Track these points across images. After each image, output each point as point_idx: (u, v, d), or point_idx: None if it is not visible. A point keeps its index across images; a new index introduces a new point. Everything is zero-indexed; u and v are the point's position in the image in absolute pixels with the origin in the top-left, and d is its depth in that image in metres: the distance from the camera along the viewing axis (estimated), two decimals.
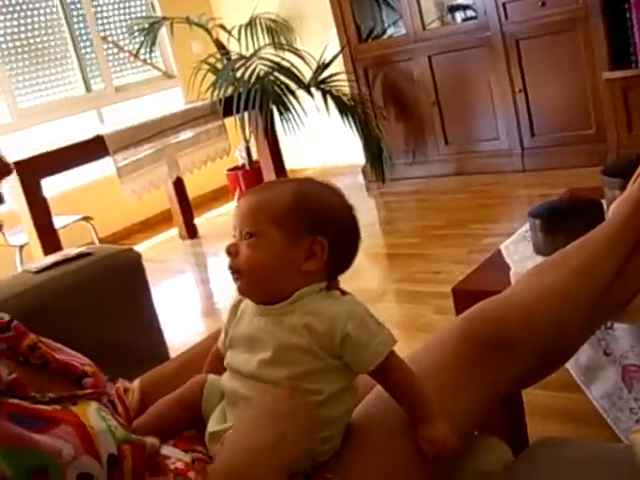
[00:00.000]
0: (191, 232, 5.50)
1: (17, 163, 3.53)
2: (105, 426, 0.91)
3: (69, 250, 1.60)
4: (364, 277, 3.58)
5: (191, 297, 4.41)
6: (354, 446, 1.10)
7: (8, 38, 5.32)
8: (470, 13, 5.30)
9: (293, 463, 1.00)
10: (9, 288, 1.46)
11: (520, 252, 1.98)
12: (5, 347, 1.03)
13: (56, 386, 0.99)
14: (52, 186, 4.36)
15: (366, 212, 4.80)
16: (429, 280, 3.64)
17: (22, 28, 5.43)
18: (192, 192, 5.64)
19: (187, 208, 5.51)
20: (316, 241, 1.07)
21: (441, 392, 1.16)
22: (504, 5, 4.87)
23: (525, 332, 1.23)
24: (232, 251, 1.08)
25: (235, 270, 1.08)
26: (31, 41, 5.48)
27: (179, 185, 5.35)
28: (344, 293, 1.11)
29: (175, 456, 1.04)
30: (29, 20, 5.47)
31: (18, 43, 5.39)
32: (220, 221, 5.92)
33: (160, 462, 1.00)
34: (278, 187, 1.14)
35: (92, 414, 0.93)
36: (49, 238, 3.92)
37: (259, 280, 1.07)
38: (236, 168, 6.04)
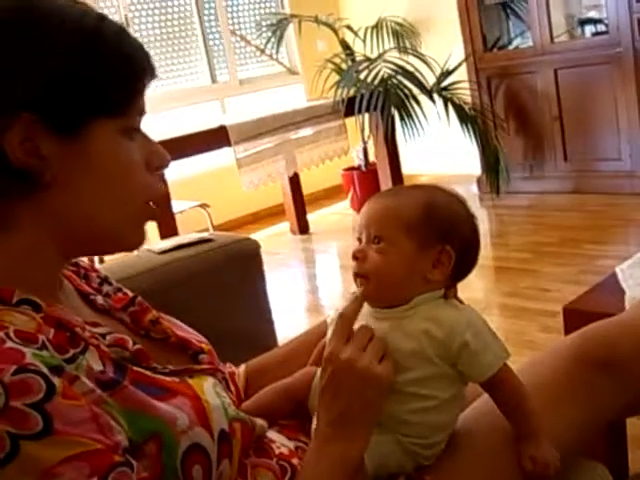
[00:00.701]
0: (302, 227, 5.57)
1: None
2: (219, 402, 0.95)
3: (191, 235, 1.66)
4: (471, 288, 3.54)
5: (297, 291, 4.47)
6: (456, 453, 1.11)
7: (143, 27, 5.51)
8: (601, 27, 5.18)
9: (370, 426, 1.01)
10: (132, 267, 1.51)
11: (636, 277, 1.95)
12: (129, 321, 1.07)
13: (174, 360, 1.02)
14: (172, 171, 4.47)
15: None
16: (536, 297, 3.59)
17: (157, 18, 5.61)
18: (306, 188, 5.70)
19: (300, 204, 5.57)
20: (444, 250, 1.07)
21: (546, 409, 1.15)
22: (639, 20, 4.73)
23: (638, 358, 1.21)
24: (360, 256, 1.08)
25: (362, 275, 1.07)
26: (164, 31, 5.66)
27: (294, 180, 5.41)
28: (461, 302, 1.11)
29: (280, 441, 1.07)
30: (164, 11, 5.66)
31: (151, 32, 5.57)
32: (332, 219, 5.97)
33: (266, 445, 1.03)
34: (409, 193, 1.14)
35: (208, 389, 0.96)
36: (167, 221, 4.03)
37: (386, 286, 1.07)
38: (352, 168, 6.06)
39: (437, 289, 1.09)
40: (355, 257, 1.08)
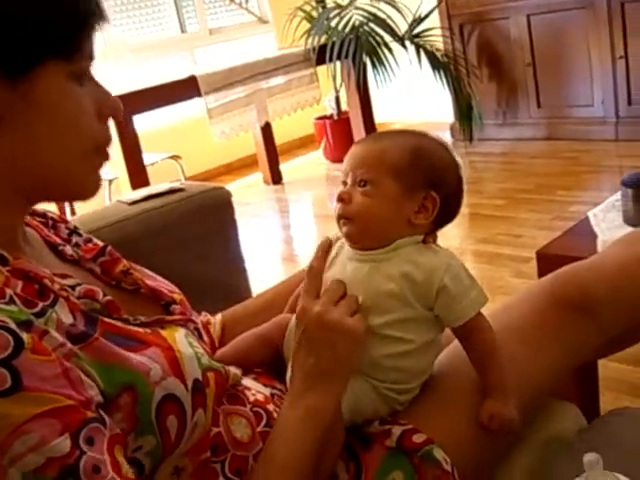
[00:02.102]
0: (275, 178, 5.55)
1: None
2: (192, 352, 0.94)
3: (162, 185, 1.64)
4: (445, 235, 3.50)
5: (272, 242, 4.46)
6: (429, 397, 1.11)
7: None
8: None
9: (344, 379, 1.01)
10: (103, 217, 1.49)
11: (609, 221, 1.96)
12: (99, 271, 1.06)
13: (145, 310, 1.01)
14: (143, 123, 4.43)
15: None
16: (510, 243, 3.62)
17: None
18: (279, 138, 5.66)
19: (273, 154, 5.54)
20: (429, 196, 1.07)
21: (520, 350, 1.17)
22: None
23: (610, 299, 1.22)
24: (345, 198, 1.07)
25: (346, 217, 1.07)
26: None
27: (267, 130, 5.37)
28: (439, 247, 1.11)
29: (255, 388, 1.07)
30: None
31: None
32: (305, 169, 5.95)
33: (240, 392, 1.03)
34: (396, 138, 1.13)
35: (180, 339, 0.96)
36: (138, 174, 4.01)
37: (369, 228, 1.06)
38: (324, 117, 6.04)
39: (419, 234, 1.08)
40: (340, 199, 1.08)
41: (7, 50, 0.82)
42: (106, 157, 0.94)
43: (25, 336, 0.74)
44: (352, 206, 1.07)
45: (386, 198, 1.06)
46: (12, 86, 0.83)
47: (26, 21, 0.82)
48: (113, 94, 0.95)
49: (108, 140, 0.94)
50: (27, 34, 0.82)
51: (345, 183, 1.10)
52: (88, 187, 0.94)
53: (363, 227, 1.07)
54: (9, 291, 0.80)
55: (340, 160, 4.39)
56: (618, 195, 1.98)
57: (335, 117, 5.94)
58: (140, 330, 0.93)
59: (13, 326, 0.74)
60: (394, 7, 5.33)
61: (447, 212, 1.11)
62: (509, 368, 1.09)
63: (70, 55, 0.87)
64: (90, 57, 0.91)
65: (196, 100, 4.58)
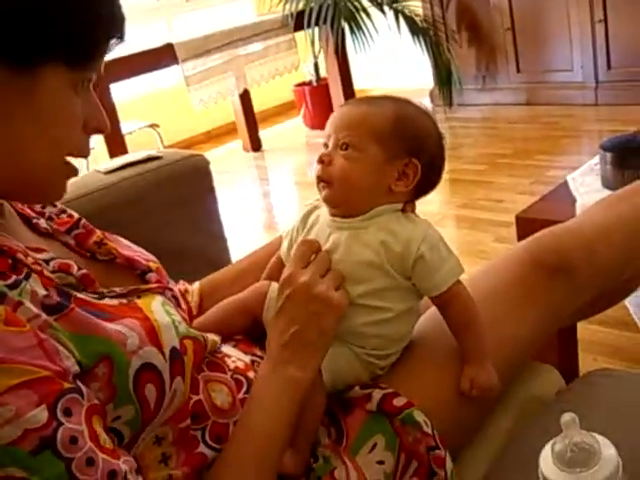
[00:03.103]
0: (255, 145, 5.53)
1: None
2: (169, 320, 0.94)
3: (139, 153, 1.62)
4: (425, 200, 3.49)
5: (251, 209, 4.45)
6: (408, 362, 1.12)
7: None
8: None
9: (324, 351, 1.02)
10: (79, 188, 1.47)
11: (587, 185, 1.97)
12: (74, 243, 1.06)
13: (121, 281, 1.01)
14: (120, 92, 4.38)
15: None
16: (491, 208, 3.63)
17: None
18: (258, 105, 5.64)
19: (252, 121, 5.52)
20: (411, 163, 1.07)
21: (500, 313, 1.17)
22: None
23: (588, 261, 1.22)
24: (326, 160, 1.07)
25: (325, 179, 1.06)
26: None
27: (245, 97, 5.35)
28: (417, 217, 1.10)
29: (236, 355, 1.06)
30: None
31: None
32: (284, 136, 5.93)
33: (220, 359, 1.03)
34: (380, 103, 1.12)
35: (157, 307, 0.95)
36: (116, 143, 3.97)
37: (349, 191, 1.06)
38: (303, 84, 6.01)
39: (398, 202, 1.08)
40: (321, 161, 1.07)
41: (21, 37, 0.80)
42: (76, 172, 0.93)
43: None
44: (332, 168, 1.06)
45: (367, 162, 1.06)
46: (14, 72, 0.81)
47: (50, 17, 0.82)
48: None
49: (87, 153, 0.93)
50: (46, 30, 0.82)
51: (326, 146, 1.09)
52: (53, 194, 0.94)
53: (342, 191, 1.06)
54: None
55: (320, 127, 4.38)
56: (597, 159, 1.99)
57: (314, 84, 5.91)
58: (115, 302, 0.92)
59: None
60: None
61: (428, 181, 1.11)
62: (489, 332, 1.10)
63: (78, 64, 0.86)
64: (97, 70, 0.91)
65: (174, 68, 4.53)
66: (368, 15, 5.12)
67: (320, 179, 1.07)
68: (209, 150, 5.62)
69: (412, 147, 1.07)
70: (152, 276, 1.08)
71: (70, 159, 0.92)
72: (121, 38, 0.91)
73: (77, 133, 0.90)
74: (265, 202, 4.65)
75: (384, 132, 1.06)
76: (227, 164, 5.21)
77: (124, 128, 4.20)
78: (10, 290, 0.78)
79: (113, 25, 0.89)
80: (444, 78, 5.37)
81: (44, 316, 0.79)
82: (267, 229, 4.09)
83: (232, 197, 4.46)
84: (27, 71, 0.82)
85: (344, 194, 1.07)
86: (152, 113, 5.08)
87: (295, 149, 5.56)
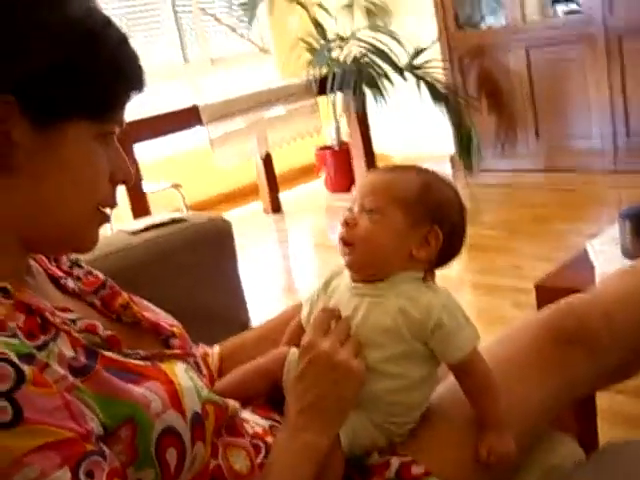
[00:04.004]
0: (275, 207, 5.56)
1: None
2: (192, 385, 0.95)
3: (163, 215, 1.65)
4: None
5: (271, 271, 4.46)
6: (427, 429, 1.12)
7: (113, 5, 5.45)
8: (573, 7, 5.17)
9: (344, 417, 1.03)
10: (105, 247, 1.49)
11: (607, 253, 1.97)
12: (100, 304, 1.07)
13: (145, 344, 1.02)
14: (143, 151, 4.45)
15: None
16: (509, 274, 3.62)
17: None
18: (279, 167, 5.68)
19: (273, 183, 5.56)
20: (433, 230, 1.09)
21: (518, 382, 1.17)
22: (610, 0, 4.74)
23: (608, 331, 1.23)
24: (350, 222, 1.09)
25: (349, 242, 1.09)
26: (135, 9, 5.61)
27: (267, 159, 5.39)
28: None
29: (254, 420, 1.07)
30: None
31: (121, 10, 5.51)
32: (305, 198, 5.96)
33: (239, 424, 1.04)
34: (407, 171, 1.15)
35: (180, 372, 0.96)
36: (139, 202, 4.01)
37: (371, 255, 1.08)
38: (325, 147, 6.07)
39: (418, 270, 1.10)
40: (346, 223, 1.10)
41: (42, 99, 0.84)
42: (107, 219, 0.96)
43: (26, 369, 0.75)
44: (356, 230, 1.08)
45: (391, 227, 1.08)
46: (37, 133, 0.84)
47: (70, 77, 0.85)
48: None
49: (114, 203, 0.96)
50: (67, 90, 0.85)
51: (352, 210, 1.11)
52: (85, 243, 0.96)
53: (365, 254, 1.08)
54: (11, 324, 0.80)
55: (341, 190, 4.45)
56: (616, 227, 1.99)
57: (336, 147, 5.96)
58: (140, 363, 0.93)
59: (15, 359, 0.75)
60: (395, 39, 5.37)
61: (449, 250, 1.13)
62: (507, 400, 1.10)
63: (102, 118, 0.89)
64: (120, 123, 0.94)
65: (196, 128, 4.60)
66: (390, 81, 5.18)
67: (343, 241, 1.09)
68: (229, 210, 5.65)
69: (435, 215, 1.10)
70: (175, 342, 1.09)
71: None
72: (141, 89, 0.94)
73: (104, 184, 0.93)
74: (284, 264, 4.67)
75: (408, 199, 1.09)
76: (247, 225, 5.24)
77: (147, 188, 4.24)
78: (39, 351, 0.80)
79: (135, 78, 0.92)
80: (465, 144, 5.40)
81: (70, 378, 0.81)
82: (286, 291, 4.10)
83: (251, 258, 4.47)
84: (51, 127, 0.85)
85: (366, 256, 1.08)
86: (174, 172, 5.13)
87: (315, 212, 5.60)
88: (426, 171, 1.16)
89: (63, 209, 0.90)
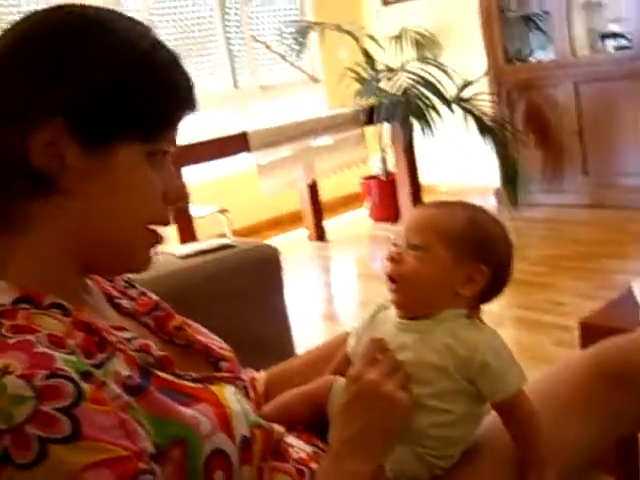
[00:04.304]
0: (319, 235, 5.59)
1: None
2: (240, 408, 0.96)
3: (213, 241, 1.68)
4: None
5: (313, 299, 4.47)
6: (469, 463, 1.12)
7: (166, 31, 5.56)
8: (623, 42, 5.15)
9: (388, 449, 1.03)
10: (154, 269, 1.51)
11: None
12: (153, 325, 1.09)
13: (196, 367, 1.03)
14: (192, 175, 4.49)
15: None
16: (552, 311, 3.59)
17: (180, 23, 5.67)
18: (324, 195, 5.72)
19: (318, 210, 5.60)
20: (478, 268, 1.09)
21: (560, 420, 1.17)
22: None
23: None
24: (397, 258, 1.09)
25: (394, 278, 1.09)
26: (186, 35, 5.72)
27: (313, 187, 5.44)
28: (483, 323, 1.12)
29: (298, 446, 1.08)
30: (187, 15, 5.71)
31: (174, 36, 5.61)
32: (349, 227, 5.98)
33: (284, 449, 1.05)
34: (452, 207, 1.15)
35: (229, 395, 0.98)
36: (186, 226, 4.06)
37: (416, 294, 1.08)
38: (371, 177, 6.09)
39: (463, 307, 1.10)
40: (392, 259, 1.10)
41: (92, 122, 0.86)
42: (161, 240, 0.98)
43: (86, 386, 0.77)
44: (402, 267, 1.09)
45: (437, 265, 1.08)
46: (88, 155, 0.87)
47: (120, 100, 0.87)
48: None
49: (167, 222, 0.97)
50: (117, 113, 0.87)
51: (397, 245, 1.12)
52: (140, 263, 0.98)
53: (410, 293, 1.09)
54: (71, 342, 0.83)
55: (385, 220, 4.46)
56: None
57: (381, 177, 5.98)
58: (192, 385, 0.95)
59: (75, 376, 0.77)
60: (443, 71, 5.40)
61: (494, 287, 1.13)
62: (549, 437, 1.10)
63: (153, 139, 0.91)
64: (173, 142, 0.95)
65: (244, 154, 4.64)
66: (438, 113, 5.19)
67: (389, 277, 1.10)
68: (274, 237, 5.69)
69: (481, 253, 1.10)
70: (225, 365, 1.11)
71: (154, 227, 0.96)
72: (194, 108, 0.95)
73: (157, 204, 0.94)
74: (326, 292, 4.68)
75: (454, 236, 1.09)
76: (291, 252, 5.26)
77: (194, 212, 4.28)
78: (96, 369, 0.82)
79: (185, 97, 0.94)
80: (510, 178, 5.38)
81: (125, 397, 0.82)
82: (326, 319, 4.11)
83: (294, 285, 4.49)
84: (102, 149, 0.87)
85: (411, 295, 1.09)
86: (219, 197, 5.17)
87: (359, 241, 5.61)
88: (472, 207, 1.16)
89: (115, 230, 0.91)
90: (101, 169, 0.88)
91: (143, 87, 0.89)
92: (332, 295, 4.63)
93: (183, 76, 0.94)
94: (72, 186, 0.87)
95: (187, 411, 0.89)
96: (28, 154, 0.84)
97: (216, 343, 1.15)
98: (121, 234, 0.92)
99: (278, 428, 1.06)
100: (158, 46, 0.93)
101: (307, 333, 3.46)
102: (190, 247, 1.66)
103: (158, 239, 0.98)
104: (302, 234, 5.73)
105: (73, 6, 0.91)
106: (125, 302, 1.08)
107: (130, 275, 1.19)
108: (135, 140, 0.89)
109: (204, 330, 1.17)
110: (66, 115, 0.84)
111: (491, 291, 1.13)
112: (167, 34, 5.54)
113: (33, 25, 0.90)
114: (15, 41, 0.88)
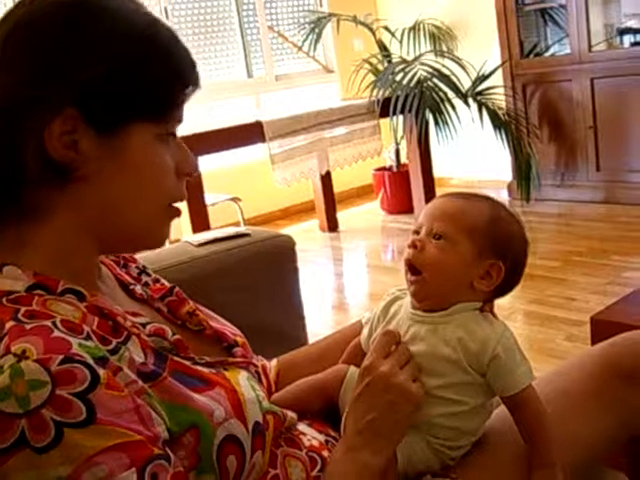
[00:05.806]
0: (332, 225, 5.60)
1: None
2: (254, 395, 0.98)
3: (228, 229, 1.68)
4: None
5: (324, 288, 4.49)
6: (481, 454, 1.13)
7: (182, 20, 5.57)
8: None
9: (397, 440, 1.04)
10: (171, 257, 1.53)
11: None
12: (166, 310, 1.10)
13: (209, 352, 1.05)
14: (206, 164, 4.51)
15: None
16: (563, 306, 3.60)
17: (195, 12, 5.68)
18: (337, 186, 5.72)
19: (331, 201, 5.60)
20: (496, 264, 1.10)
21: (571, 416, 1.18)
22: None
23: None
24: (418, 245, 1.09)
25: (415, 265, 1.09)
26: (202, 24, 5.73)
27: (326, 178, 5.44)
28: (495, 317, 1.13)
29: (310, 434, 1.09)
30: (203, 4, 5.72)
31: (189, 25, 5.63)
32: (361, 218, 5.99)
33: (296, 436, 1.06)
34: (477, 201, 1.15)
35: (242, 381, 0.99)
36: (199, 213, 4.07)
37: (436, 282, 1.09)
38: (383, 169, 6.09)
39: (477, 300, 1.11)
40: (414, 245, 1.10)
41: (102, 108, 0.87)
42: (178, 213, 0.99)
43: (101, 372, 0.78)
44: (423, 255, 1.09)
45: (458, 256, 1.09)
46: (102, 141, 0.88)
47: (125, 82, 0.88)
48: (182, 134, 1.00)
49: (183, 197, 0.99)
50: (125, 95, 0.88)
51: (417, 233, 1.12)
52: (158, 239, 1.00)
53: (431, 284, 1.09)
54: (86, 327, 0.84)
55: (397, 212, 4.47)
56: None
57: (394, 169, 5.98)
58: (206, 370, 0.96)
59: (90, 361, 0.78)
60: (459, 64, 5.39)
61: (508, 283, 1.14)
62: (560, 434, 1.10)
63: (162, 118, 0.93)
64: (179, 121, 0.96)
65: (259, 144, 4.65)
66: (452, 106, 5.19)
67: (410, 264, 1.10)
68: (286, 227, 5.72)
69: (500, 249, 1.10)
70: (238, 350, 1.12)
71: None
72: (197, 85, 0.96)
73: (170, 180, 0.95)
74: (337, 282, 4.69)
75: (478, 229, 1.10)
76: (303, 242, 5.27)
77: (207, 200, 4.29)
78: (111, 355, 0.83)
79: (189, 74, 0.95)
80: (523, 172, 5.38)
81: (140, 383, 0.84)
82: (337, 309, 4.12)
83: (306, 275, 4.49)
84: (115, 133, 0.89)
85: (432, 287, 1.09)
86: (232, 186, 5.19)
87: (371, 232, 5.61)
88: (497, 203, 1.16)
89: (133, 209, 0.93)
90: (116, 153, 0.89)
91: (146, 68, 0.89)
92: (343, 286, 4.64)
93: (184, 53, 0.95)
94: (89, 173, 0.88)
95: (200, 398, 0.90)
96: (45, 145, 0.85)
97: (228, 329, 1.17)
98: (138, 213, 0.94)
99: (291, 415, 1.08)
100: (156, 24, 0.93)
101: (317, 323, 3.48)
102: (206, 235, 1.67)
103: (176, 213, 0.99)
104: (314, 225, 5.74)
105: None
106: (139, 288, 1.10)
107: (146, 263, 1.20)
108: (145, 120, 0.90)
109: (216, 316, 1.19)
110: (78, 104, 0.86)
111: (505, 286, 1.14)
112: (182, 23, 5.55)
113: (34, 14, 0.89)
114: (19, 31, 0.88)
